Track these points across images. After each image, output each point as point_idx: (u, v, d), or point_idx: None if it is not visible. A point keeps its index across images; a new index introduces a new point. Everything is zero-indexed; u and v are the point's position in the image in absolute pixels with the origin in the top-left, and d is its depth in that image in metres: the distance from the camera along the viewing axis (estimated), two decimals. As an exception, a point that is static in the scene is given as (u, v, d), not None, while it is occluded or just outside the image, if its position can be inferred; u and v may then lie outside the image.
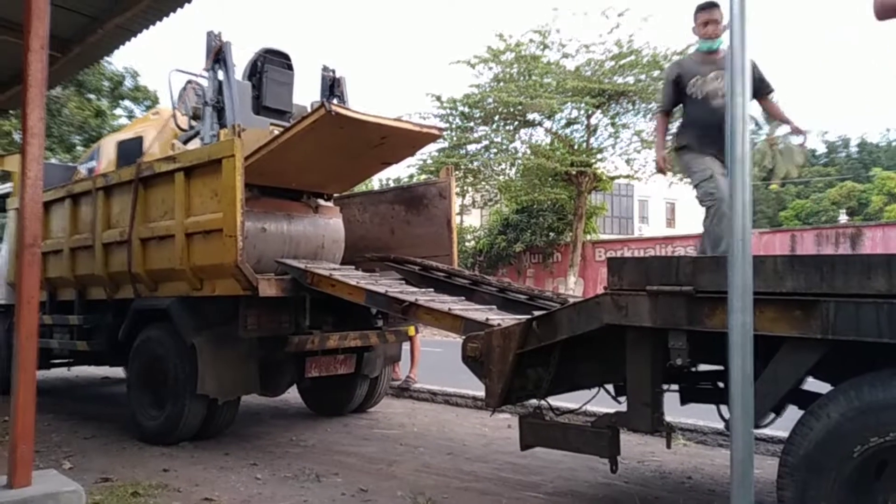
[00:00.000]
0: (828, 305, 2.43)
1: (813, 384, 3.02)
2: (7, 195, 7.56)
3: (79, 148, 21.18)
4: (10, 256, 7.10)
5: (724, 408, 3.70)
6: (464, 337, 3.65)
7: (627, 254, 18.31)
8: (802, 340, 2.54)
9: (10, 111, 8.04)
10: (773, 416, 3.30)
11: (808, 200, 37.77)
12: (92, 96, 22.51)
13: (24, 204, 3.15)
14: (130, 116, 23.41)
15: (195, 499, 3.89)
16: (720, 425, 4.31)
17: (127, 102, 24.31)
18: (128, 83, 23.75)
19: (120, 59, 27.69)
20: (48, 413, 6.23)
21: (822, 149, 46.38)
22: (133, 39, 5.15)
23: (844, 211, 34.17)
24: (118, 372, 7.85)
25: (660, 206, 33.24)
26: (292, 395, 6.68)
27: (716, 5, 4.10)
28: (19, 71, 5.55)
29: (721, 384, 3.79)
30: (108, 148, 7.02)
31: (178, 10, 4.66)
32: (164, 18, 4.82)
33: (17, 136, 20.95)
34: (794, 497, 2.55)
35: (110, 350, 6.10)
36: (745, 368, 2.25)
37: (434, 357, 10.60)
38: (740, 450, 2.27)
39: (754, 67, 3.85)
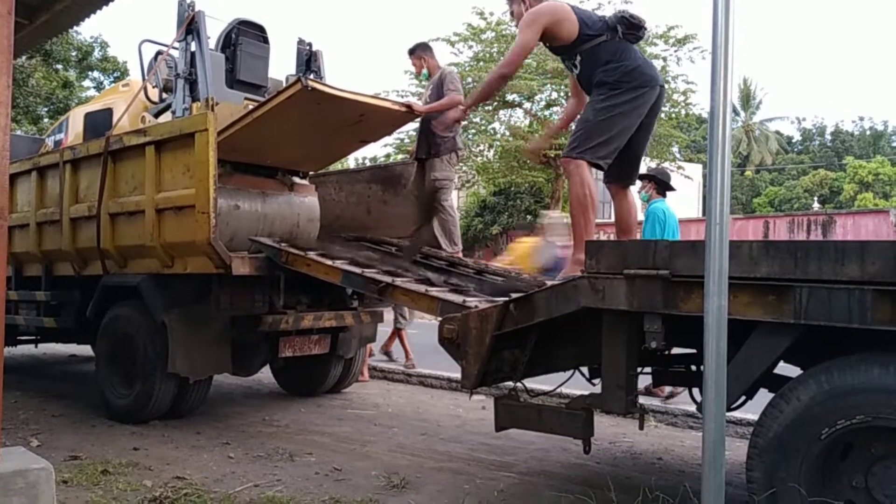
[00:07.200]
0: (801, 291, 2.46)
1: (784, 368, 3.06)
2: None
3: (45, 120, 20.61)
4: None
5: (696, 390, 3.75)
6: (440, 319, 3.63)
7: (604, 237, 18.44)
8: (775, 325, 2.57)
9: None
10: (744, 398, 3.35)
11: (781, 187, 38.36)
12: (59, 67, 21.86)
13: (-12, 176, 3.02)
14: (99, 88, 22.83)
15: (166, 477, 3.84)
16: (691, 408, 4.38)
17: (95, 73, 23.68)
18: (96, 54, 23.11)
19: (88, 29, 26.96)
20: (15, 391, 6.11)
21: (797, 136, 47.11)
22: (104, 8, 4.99)
23: (817, 198, 34.79)
24: (86, 350, 7.71)
25: (637, 191, 33.39)
26: (265, 375, 6.62)
27: None
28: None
29: (693, 367, 3.84)
30: (76, 120, 6.82)
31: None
32: (135, -13, 4.68)
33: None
34: (762, 478, 2.60)
35: (78, 327, 5.97)
36: (720, 351, 2.27)
37: (409, 338, 10.58)
38: (712, 431, 2.30)
39: None
